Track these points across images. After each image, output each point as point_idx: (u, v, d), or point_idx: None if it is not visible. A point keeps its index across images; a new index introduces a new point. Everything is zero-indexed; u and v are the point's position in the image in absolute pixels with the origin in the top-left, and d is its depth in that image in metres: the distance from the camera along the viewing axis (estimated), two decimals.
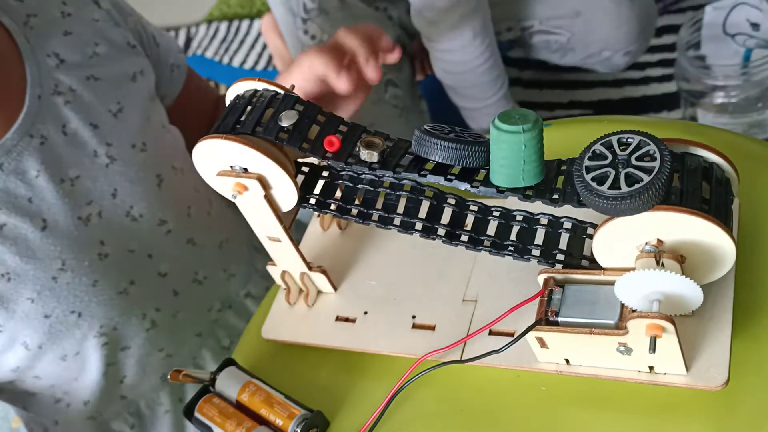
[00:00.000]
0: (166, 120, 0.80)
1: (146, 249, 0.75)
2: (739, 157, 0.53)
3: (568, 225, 0.48)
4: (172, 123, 0.82)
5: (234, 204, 0.53)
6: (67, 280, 0.69)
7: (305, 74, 0.62)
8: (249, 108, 0.50)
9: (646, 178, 0.40)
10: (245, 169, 0.49)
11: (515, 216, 0.49)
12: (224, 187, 0.51)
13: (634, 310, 0.43)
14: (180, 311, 0.79)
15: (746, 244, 0.50)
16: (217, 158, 0.50)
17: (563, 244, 0.48)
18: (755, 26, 1.06)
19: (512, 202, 0.45)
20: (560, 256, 0.47)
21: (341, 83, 0.61)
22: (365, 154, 0.48)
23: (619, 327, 0.43)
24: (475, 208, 0.50)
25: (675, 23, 1.33)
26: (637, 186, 0.40)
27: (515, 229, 0.49)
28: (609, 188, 0.40)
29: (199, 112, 0.89)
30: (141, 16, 0.82)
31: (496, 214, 0.49)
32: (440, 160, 0.45)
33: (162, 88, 0.83)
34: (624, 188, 0.40)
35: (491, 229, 0.49)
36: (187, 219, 0.79)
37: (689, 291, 0.41)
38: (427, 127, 0.46)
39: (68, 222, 0.69)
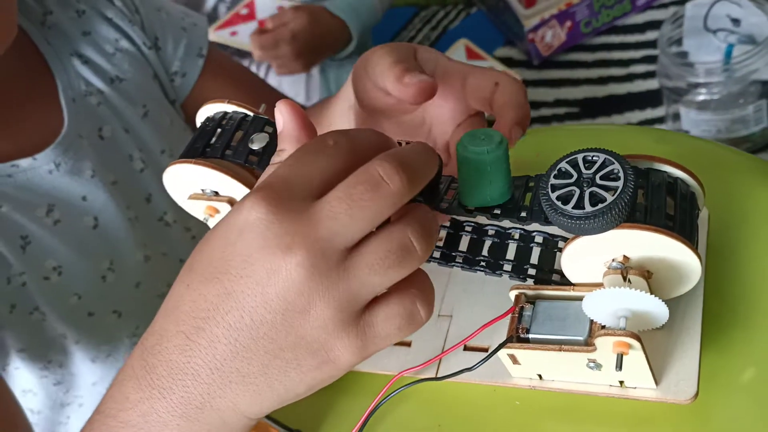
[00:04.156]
0: (184, 123, 0.80)
1: (177, 254, 0.76)
2: (710, 165, 0.53)
3: (539, 239, 0.48)
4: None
5: None
6: (113, 279, 0.71)
7: None
8: (219, 131, 0.50)
9: (609, 198, 0.40)
10: (216, 192, 0.49)
11: (487, 231, 0.49)
12: (196, 210, 0.51)
13: (603, 326, 0.43)
14: None
15: (716, 252, 0.50)
16: (187, 182, 0.50)
17: (534, 259, 0.48)
18: (736, 22, 1.06)
19: (484, 217, 0.46)
20: (532, 271, 0.48)
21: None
22: None
23: (588, 344, 0.43)
24: (448, 224, 0.50)
25: (659, 19, 1.33)
26: (600, 206, 0.40)
27: (487, 244, 0.49)
28: (573, 207, 0.40)
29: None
30: (148, 13, 0.78)
31: (468, 229, 0.49)
32: None
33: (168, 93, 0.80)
34: (588, 208, 0.40)
35: (463, 244, 0.49)
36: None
37: (655, 308, 0.41)
38: None
39: (117, 222, 0.71)
